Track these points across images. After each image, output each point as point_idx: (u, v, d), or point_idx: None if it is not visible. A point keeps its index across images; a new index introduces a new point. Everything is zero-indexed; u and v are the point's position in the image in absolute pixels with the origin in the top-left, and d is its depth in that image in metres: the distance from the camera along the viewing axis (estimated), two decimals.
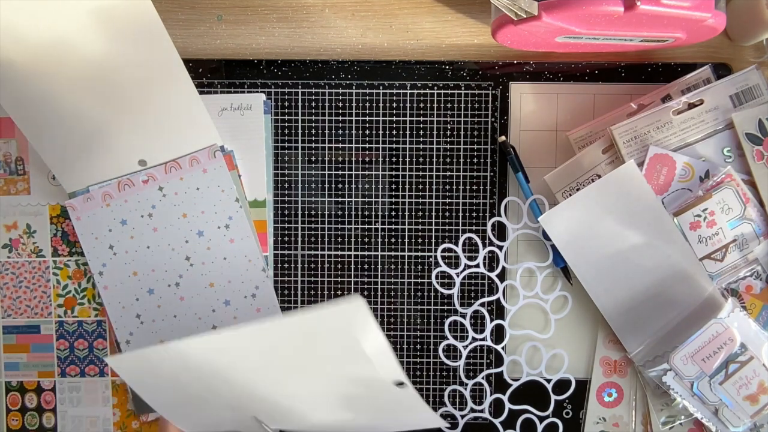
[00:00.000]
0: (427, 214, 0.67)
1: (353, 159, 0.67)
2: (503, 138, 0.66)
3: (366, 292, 0.67)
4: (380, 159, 0.67)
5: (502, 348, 0.67)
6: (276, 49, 0.67)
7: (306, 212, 0.67)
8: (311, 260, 0.67)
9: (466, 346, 0.67)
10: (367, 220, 0.67)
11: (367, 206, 0.67)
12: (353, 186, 0.67)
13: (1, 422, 0.68)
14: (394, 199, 0.67)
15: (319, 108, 0.67)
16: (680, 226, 0.62)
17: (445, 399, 0.67)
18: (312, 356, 0.53)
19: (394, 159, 0.67)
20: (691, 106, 0.62)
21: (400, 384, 0.52)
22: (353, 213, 0.67)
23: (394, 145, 0.67)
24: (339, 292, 0.67)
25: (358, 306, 0.47)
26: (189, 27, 0.67)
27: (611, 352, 0.66)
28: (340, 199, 0.67)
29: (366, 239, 0.67)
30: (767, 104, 0.61)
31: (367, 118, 0.67)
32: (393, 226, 0.67)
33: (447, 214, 0.67)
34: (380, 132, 0.67)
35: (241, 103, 0.66)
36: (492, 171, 0.67)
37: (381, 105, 0.67)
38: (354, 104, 0.67)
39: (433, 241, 0.67)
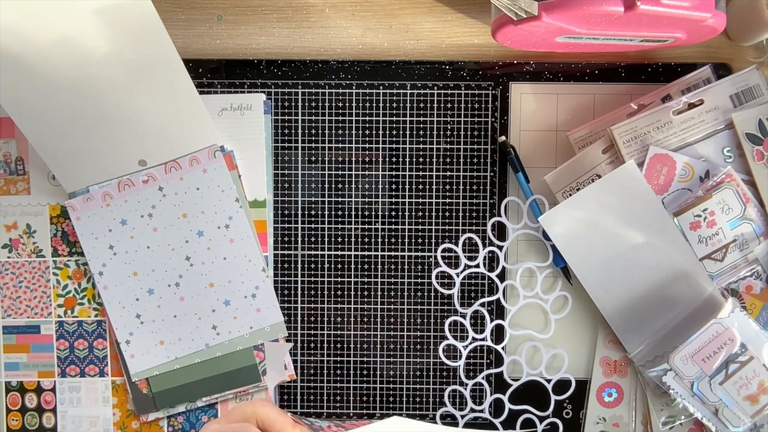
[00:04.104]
0: (427, 214, 0.67)
1: (353, 159, 0.67)
2: (503, 138, 0.66)
3: (366, 292, 0.67)
4: (380, 159, 0.67)
5: (502, 348, 0.67)
6: (276, 49, 0.67)
7: (306, 212, 0.67)
8: (311, 260, 0.67)
9: (466, 346, 0.67)
10: (367, 220, 0.67)
11: (367, 206, 0.67)
12: (353, 186, 0.67)
13: (1, 422, 0.68)
14: (394, 199, 0.67)
15: (319, 108, 0.67)
16: (680, 226, 0.62)
17: (445, 399, 0.67)
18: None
19: (394, 159, 0.67)
20: (691, 106, 0.62)
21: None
22: (353, 213, 0.67)
23: (394, 145, 0.67)
24: (339, 292, 0.67)
25: None
26: (189, 27, 0.67)
27: (611, 352, 0.66)
28: (340, 199, 0.67)
29: (366, 239, 0.67)
30: (767, 104, 0.61)
31: (367, 118, 0.67)
32: (393, 226, 0.67)
33: (447, 214, 0.67)
34: (380, 132, 0.67)
35: (241, 103, 0.66)
36: (492, 171, 0.67)
37: (381, 105, 0.67)
38: (354, 104, 0.67)
39: (433, 241, 0.67)
